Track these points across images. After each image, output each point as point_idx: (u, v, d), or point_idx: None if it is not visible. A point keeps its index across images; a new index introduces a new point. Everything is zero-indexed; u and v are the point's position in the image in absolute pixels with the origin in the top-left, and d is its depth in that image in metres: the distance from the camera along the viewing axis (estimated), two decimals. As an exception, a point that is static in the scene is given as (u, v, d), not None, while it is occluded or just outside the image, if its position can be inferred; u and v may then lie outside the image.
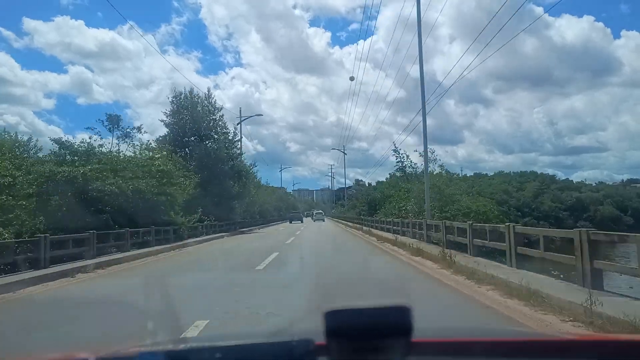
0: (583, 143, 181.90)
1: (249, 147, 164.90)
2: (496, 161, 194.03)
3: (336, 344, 0.97)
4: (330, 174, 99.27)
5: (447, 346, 1.27)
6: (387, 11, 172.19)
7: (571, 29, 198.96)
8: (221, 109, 33.35)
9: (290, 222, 56.41)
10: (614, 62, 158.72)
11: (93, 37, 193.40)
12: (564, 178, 76.56)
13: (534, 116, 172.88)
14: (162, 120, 31.93)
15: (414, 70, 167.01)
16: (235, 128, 34.58)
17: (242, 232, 32.72)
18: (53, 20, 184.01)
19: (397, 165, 37.03)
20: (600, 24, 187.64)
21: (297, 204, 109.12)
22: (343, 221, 56.33)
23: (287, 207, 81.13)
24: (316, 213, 72.52)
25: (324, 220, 62.06)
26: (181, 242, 19.40)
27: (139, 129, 25.07)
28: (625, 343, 1.34)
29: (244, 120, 39.87)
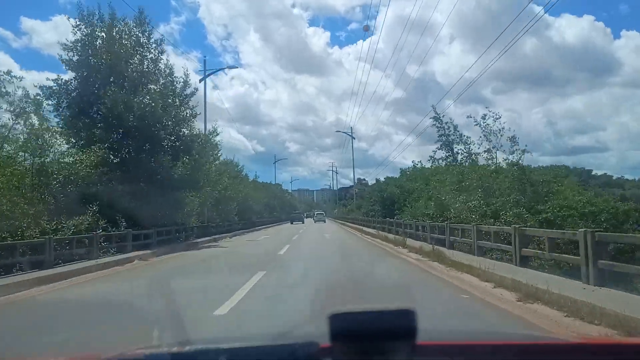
0: (583, 143, 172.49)
1: (247, 146, 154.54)
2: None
3: (340, 347, 0.94)
4: (332, 169, 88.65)
5: (452, 348, 1.24)
6: (387, 10, 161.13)
7: (571, 28, 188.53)
8: (161, 42, 20.43)
9: (292, 223, 55.67)
10: (614, 62, 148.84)
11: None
12: (601, 173, 69.70)
13: (533, 116, 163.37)
14: (61, 59, 19.03)
15: (413, 70, 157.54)
16: (185, 75, 21.02)
17: (195, 245, 19.75)
18: (51, 20, 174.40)
19: (439, 140, 24.16)
20: (601, 24, 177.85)
21: (295, 203, 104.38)
22: (350, 224, 45.34)
23: (283, 206, 76.87)
24: (317, 214, 71.31)
25: (324, 222, 60.37)
26: None
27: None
28: (632, 347, 1.30)
29: (210, 74, 27.17)
